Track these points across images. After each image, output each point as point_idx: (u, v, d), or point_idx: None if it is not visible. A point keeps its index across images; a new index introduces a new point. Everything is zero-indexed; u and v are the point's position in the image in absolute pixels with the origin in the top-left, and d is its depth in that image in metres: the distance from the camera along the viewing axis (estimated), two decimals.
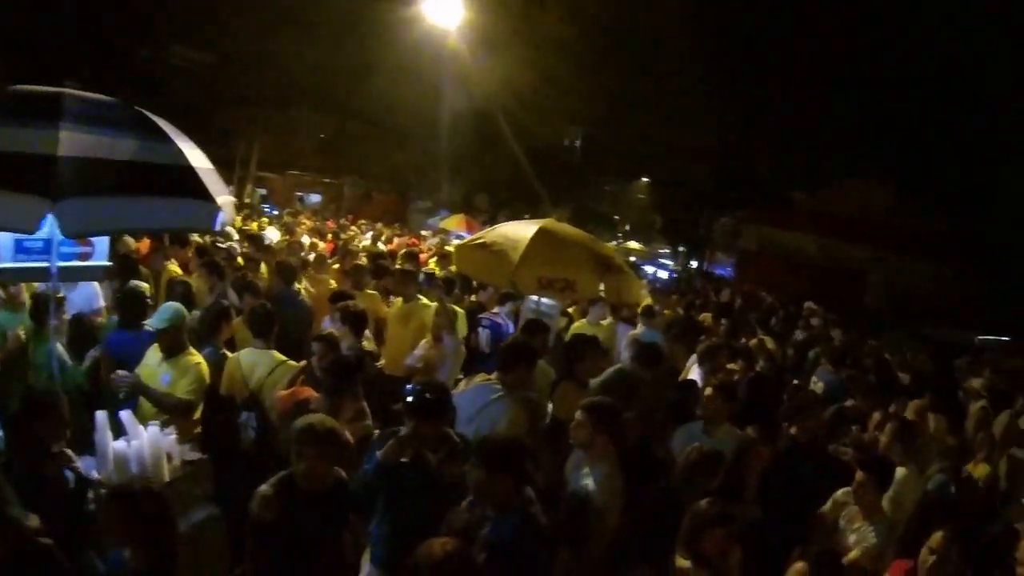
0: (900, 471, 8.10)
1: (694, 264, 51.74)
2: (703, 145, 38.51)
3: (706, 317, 17.81)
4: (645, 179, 50.59)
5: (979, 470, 10.19)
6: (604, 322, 13.38)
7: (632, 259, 46.56)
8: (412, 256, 17.34)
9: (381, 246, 23.19)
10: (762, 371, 11.81)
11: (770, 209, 37.91)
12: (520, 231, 10.36)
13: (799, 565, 5.33)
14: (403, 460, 5.50)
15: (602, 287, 10.05)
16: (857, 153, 35.85)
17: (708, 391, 8.17)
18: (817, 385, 13.12)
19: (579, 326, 13.27)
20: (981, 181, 31.93)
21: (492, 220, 39.69)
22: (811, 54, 35.57)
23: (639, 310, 14.96)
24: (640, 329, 14.12)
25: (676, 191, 46.86)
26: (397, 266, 14.75)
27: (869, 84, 35.97)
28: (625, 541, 6.12)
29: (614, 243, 55.36)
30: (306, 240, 20.96)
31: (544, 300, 11.68)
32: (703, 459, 6.64)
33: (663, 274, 42.12)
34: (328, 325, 9.86)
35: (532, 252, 9.71)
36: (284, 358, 8.07)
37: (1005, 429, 12.75)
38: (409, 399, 5.62)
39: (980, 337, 27.46)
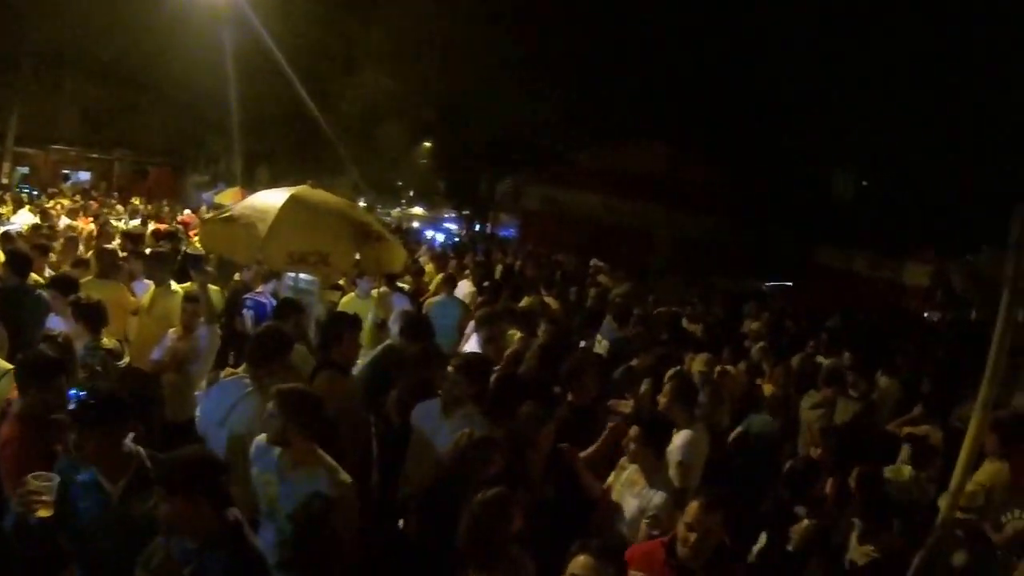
0: (684, 433, 7.67)
1: (484, 227, 51.30)
2: (485, 107, 37.86)
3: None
4: (427, 143, 49.61)
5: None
6: (375, 293, 12.41)
7: (416, 224, 46.16)
8: (170, 235, 16.03)
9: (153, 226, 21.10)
10: (546, 335, 11.24)
11: (552, 169, 37.60)
12: (269, 201, 9.47)
13: (582, 559, 4.66)
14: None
15: (358, 257, 9.30)
16: (636, 113, 36.08)
17: (449, 370, 7.28)
18: (601, 344, 12.62)
19: (347, 301, 12.38)
20: (753, 136, 32.56)
21: None
22: (588, 17, 35.58)
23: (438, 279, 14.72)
24: (440, 297, 13.67)
25: (457, 154, 46.15)
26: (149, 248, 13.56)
27: (644, 46, 36.23)
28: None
29: (398, 209, 54.80)
30: (65, 223, 19.06)
31: (302, 276, 10.87)
32: (473, 446, 5.98)
33: (442, 237, 41.35)
34: (56, 325, 8.52)
35: (281, 224, 8.91)
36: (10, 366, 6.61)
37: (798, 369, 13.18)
38: (71, 406, 4.70)
39: (767, 284, 28.51)
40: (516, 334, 11.27)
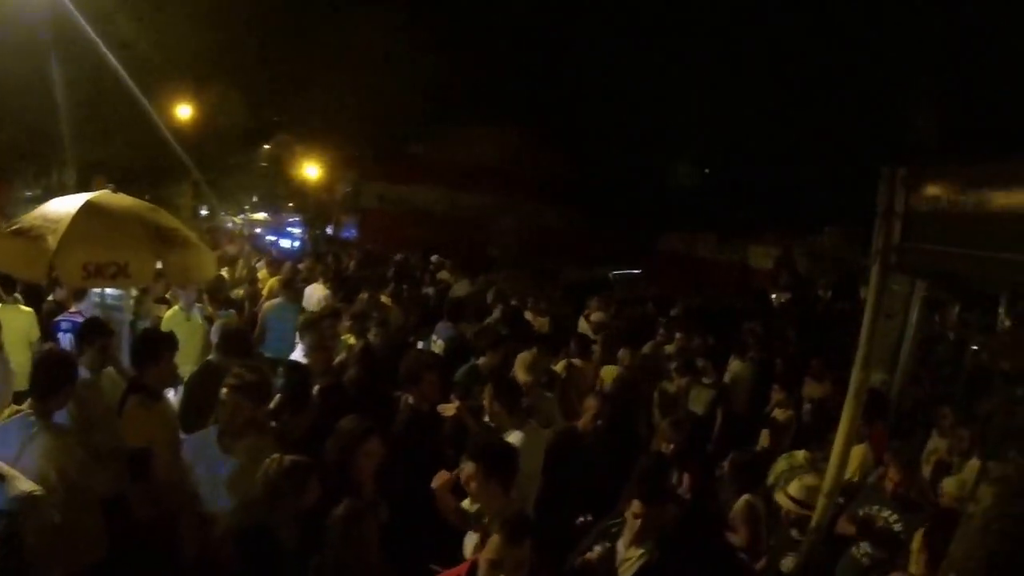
0: (514, 435, 7.02)
1: (330, 230, 49.73)
2: (320, 107, 36.77)
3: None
4: (267, 146, 48.00)
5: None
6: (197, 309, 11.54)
7: (258, 231, 44.74)
8: None
9: None
10: (376, 337, 10.50)
11: (389, 164, 36.77)
12: (63, 209, 8.41)
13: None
14: None
15: (160, 266, 8.36)
16: (475, 104, 35.43)
17: (223, 392, 6.31)
18: (437, 344, 11.92)
19: (171, 316, 11.31)
20: (595, 126, 32.40)
21: None
22: (420, 7, 34.93)
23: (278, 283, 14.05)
24: (276, 300, 12.89)
25: (297, 155, 44.84)
26: None
27: (480, 36, 35.70)
28: None
29: (240, 216, 53.21)
30: None
31: (109, 291, 9.91)
32: (284, 475, 5.27)
33: (285, 243, 40.13)
34: None
35: (74, 234, 7.92)
36: None
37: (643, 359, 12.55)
38: None
39: (614, 272, 27.98)
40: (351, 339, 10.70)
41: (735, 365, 13.29)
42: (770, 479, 8.18)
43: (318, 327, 9.56)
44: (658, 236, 34.26)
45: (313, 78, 34.69)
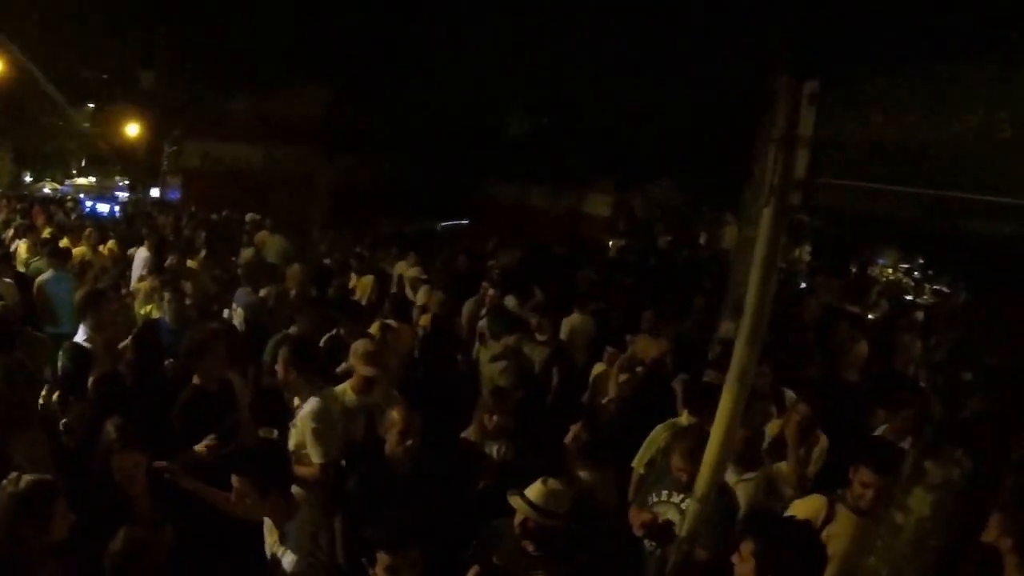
0: (311, 402, 6.48)
1: (156, 193, 47.55)
2: (140, 63, 34.83)
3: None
4: (91, 105, 45.21)
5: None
6: None
7: (82, 196, 42.64)
8: None
9: None
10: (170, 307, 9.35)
11: (210, 123, 35.14)
12: None
13: None
14: None
15: None
16: (291, 57, 34.09)
17: None
18: (236, 312, 10.83)
19: None
20: (406, 79, 31.46)
21: None
22: None
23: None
24: (48, 274, 11.56)
25: (119, 114, 42.50)
26: None
27: None
28: None
29: (68, 182, 50.78)
30: None
31: None
32: (20, 502, 4.35)
33: (104, 208, 38.22)
34: None
35: None
36: None
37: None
38: None
39: (441, 224, 28.61)
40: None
41: (574, 318, 12.40)
42: (649, 454, 7.45)
43: (99, 302, 8.44)
44: (488, 186, 33.59)
45: (133, 32, 32.79)
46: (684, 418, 7.62)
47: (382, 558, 4.33)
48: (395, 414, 6.22)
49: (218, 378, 6.79)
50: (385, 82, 31.30)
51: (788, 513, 5.95)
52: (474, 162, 31.20)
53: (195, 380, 6.70)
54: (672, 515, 5.92)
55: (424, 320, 11.80)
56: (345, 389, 7.11)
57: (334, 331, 9.12)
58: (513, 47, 25.75)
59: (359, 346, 7.30)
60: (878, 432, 8.47)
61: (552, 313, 11.75)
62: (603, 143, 27.78)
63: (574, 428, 6.69)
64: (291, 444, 6.42)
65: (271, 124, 33.02)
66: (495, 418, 7.11)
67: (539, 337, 10.96)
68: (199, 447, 6.11)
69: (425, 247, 17.48)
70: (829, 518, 5.76)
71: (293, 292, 11.35)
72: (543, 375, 10.49)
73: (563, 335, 11.88)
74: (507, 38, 25.68)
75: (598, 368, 10.11)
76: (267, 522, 5.24)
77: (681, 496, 5.92)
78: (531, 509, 5.13)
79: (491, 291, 12.87)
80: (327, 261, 15.35)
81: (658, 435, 7.55)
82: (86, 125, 45.95)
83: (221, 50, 32.46)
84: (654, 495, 6.19)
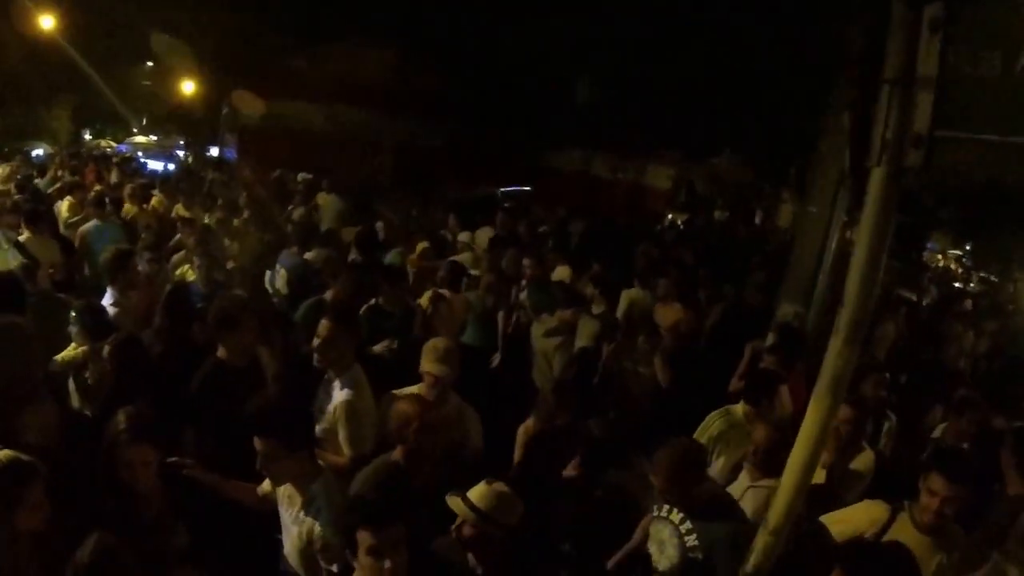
0: (346, 382, 6.03)
1: (216, 151, 47.44)
2: (198, 20, 34.65)
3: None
4: (150, 63, 45.14)
5: None
6: None
7: (140, 155, 42.69)
8: None
9: None
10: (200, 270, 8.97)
11: (270, 80, 34.82)
12: None
13: None
14: None
15: None
16: (355, 17, 33.70)
17: None
18: (280, 274, 10.37)
19: None
20: (473, 43, 31.03)
21: None
22: None
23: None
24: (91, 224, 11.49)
25: (177, 72, 42.40)
26: None
27: None
28: None
29: (127, 140, 50.94)
30: None
31: None
32: None
33: (157, 165, 38.17)
34: None
35: None
36: None
37: None
38: None
39: (503, 190, 27.57)
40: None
41: (632, 292, 11.79)
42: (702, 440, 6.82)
43: (126, 262, 8.03)
44: (551, 154, 33.16)
45: None
46: (740, 407, 7.04)
47: (363, 538, 3.85)
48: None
49: (247, 354, 6.28)
50: (452, 45, 30.96)
51: (839, 518, 5.39)
52: (538, 129, 30.76)
53: (219, 353, 6.17)
54: (665, 535, 5.27)
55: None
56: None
57: (373, 300, 8.61)
58: (582, 15, 25.41)
59: (432, 344, 6.59)
60: (936, 433, 8.12)
61: (609, 287, 11.24)
62: (667, 115, 27.27)
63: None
64: (319, 426, 5.90)
65: (333, 83, 32.49)
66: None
67: (594, 310, 10.46)
68: None
69: (488, 214, 16.95)
70: (886, 530, 5.15)
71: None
72: (593, 349, 10.03)
73: (621, 310, 11.32)
74: (576, 5, 25.33)
75: None
76: (284, 497, 4.83)
77: (681, 515, 5.25)
78: (470, 512, 4.54)
79: (526, 261, 12.24)
80: (379, 224, 14.85)
81: (710, 424, 7.02)
82: (146, 83, 45.99)
83: (283, 6, 32.28)
84: (658, 506, 5.49)
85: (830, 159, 9.46)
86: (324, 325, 6.04)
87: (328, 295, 8.57)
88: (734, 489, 5.86)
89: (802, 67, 14.68)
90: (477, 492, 4.60)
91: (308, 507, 4.61)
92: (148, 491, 4.61)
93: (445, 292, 9.72)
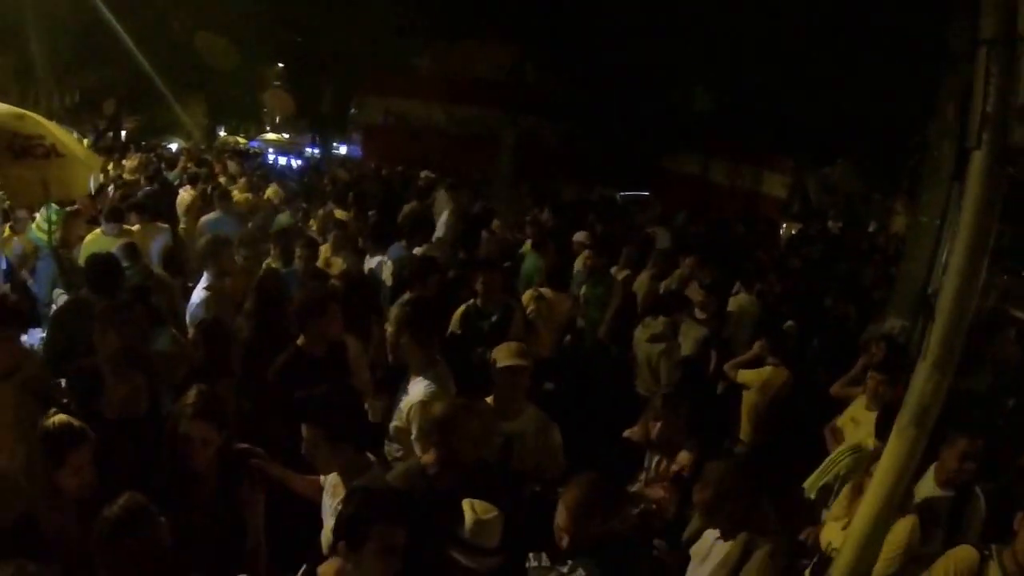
0: (420, 383, 5.96)
1: (344, 150, 49.05)
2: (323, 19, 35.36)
3: None
4: (281, 64, 46.29)
5: None
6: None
7: (270, 151, 43.89)
8: None
9: None
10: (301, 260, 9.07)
11: (392, 78, 35.25)
12: None
13: None
14: None
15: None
16: (476, 14, 33.98)
17: None
18: (386, 265, 10.40)
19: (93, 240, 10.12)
20: (594, 44, 30.98)
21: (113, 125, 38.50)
22: None
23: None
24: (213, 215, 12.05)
25: (304, 73, 43.24)
26: None
27: None
28: None
29: (259, 137, 52.58)
30: None
31: None
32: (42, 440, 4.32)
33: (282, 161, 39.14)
34: None
35: None
36: None
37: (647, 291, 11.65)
38: None
39: (621, 193, 28.66)
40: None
41: (741, 298, 11.68)
42: (824, 479, 6.53)
43: (219, 250, 8.19)
44: (668, 158, 32.37)
45: None
46: (871, 442, 6.46)
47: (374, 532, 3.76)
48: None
49: (327, 341, 6.28)
50: (572, 46, 31.00)
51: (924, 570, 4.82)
52: (656, 133, 30.41)
53: (299, 341, 6.22)
54: None
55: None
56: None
57: (472, 300, 8.50)
58: (702, 19, 25.28)
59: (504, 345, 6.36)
60: None
61: (719, 290, 11.02)
62: (783, 122, 27.19)
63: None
64: (393, 423, 5.89)
65: (454, 81, 32.93)
66: (659, 426, 6.17)
67: (699, 315, 10.23)
68: None
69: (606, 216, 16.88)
70: None
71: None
72: (697, 356, 9.79)
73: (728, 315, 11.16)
74: (698, 9, 25.19)
75: None
76: (330, 485, 4.81)
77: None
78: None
79: (587, 251, 12.05)
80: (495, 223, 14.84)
81: (838, 457, 6.60)
82: (277, 83, 47.06)
83: (406, 7, 32.69)
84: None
85: (941, 162, 9.09)
86: (393, 321, 6.03)
87: (407, 297, 8.34)
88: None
89: (913, 69, 14.29)
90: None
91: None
92: (204, 470, 4.63)
93: (546, 291, 9.59)
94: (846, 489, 5.62)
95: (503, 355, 6.08)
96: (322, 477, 4.96)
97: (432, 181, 20.79)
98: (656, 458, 6.21)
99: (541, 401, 6.48)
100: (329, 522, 4.63)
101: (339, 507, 4.44)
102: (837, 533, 5.08)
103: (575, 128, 30.89)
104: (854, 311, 12.29)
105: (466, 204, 16.45)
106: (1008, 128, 2.73)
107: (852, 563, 3.50)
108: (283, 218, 13.57)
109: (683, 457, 5.95)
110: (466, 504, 4.36)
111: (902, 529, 4.97)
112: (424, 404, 5.68)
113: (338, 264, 10.39)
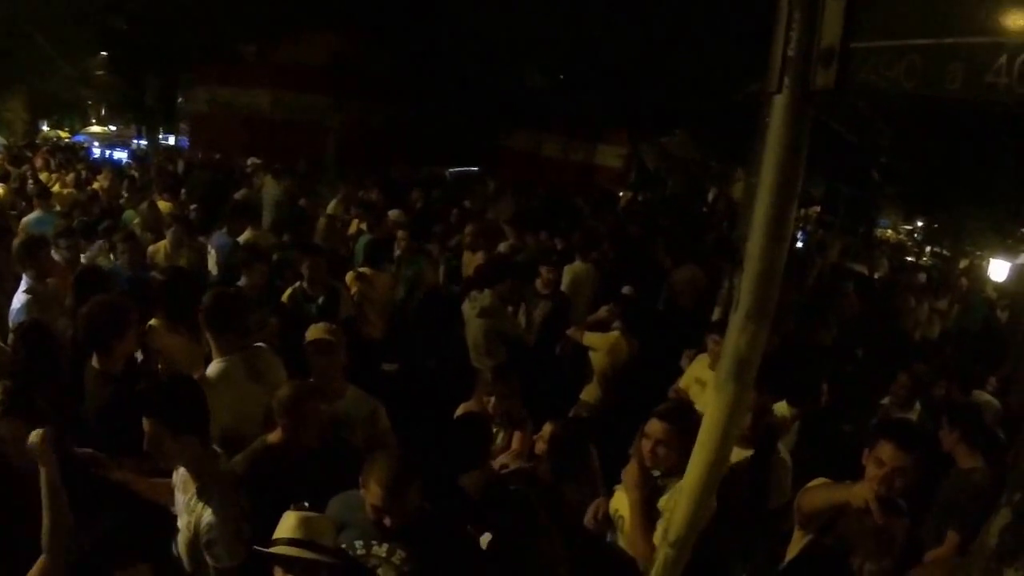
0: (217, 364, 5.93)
1: (172, 140, 47.43)
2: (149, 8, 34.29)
3: None
4: (104, 52, 44.64)
5: None
6: None
7: (96, 145, 42.56)
8: None
9: None
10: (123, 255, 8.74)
11: (218, 66, 34.57)
12: None
13: None
14: None
15: None
16: (304, 3, 33.61)
17: None
18: (211, 255, 10.20)
19: None
20: (419, 26, 30.95)
21: None
22: None
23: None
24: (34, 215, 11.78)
25: (131, 60, 41.94)
26: None
27: None
28: None
29: (84, 131, 50.78)
30: None
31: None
32: None
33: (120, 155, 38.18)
34: None
35: None
36: None
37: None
38: None
39: (450, 170, 29.13)
40: None
41: (576, 266, 11.64)
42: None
43: (35, 249, 7.81)
44: (502, 135, 32.97)
45: None
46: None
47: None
48: None
49: (123, 356, 5.93)
50: (397, 29, 30.89)
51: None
52: (487, 110, 30.79)
53: (94, 363, 5.81)
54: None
55: None
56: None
57: (297, 284, 8.48)
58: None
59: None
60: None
61: (559, 261, 11.09)
62: (616, 94, 27.45)
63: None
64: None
65: (279, 68, 32.75)
66: (493, 400, 6.28)
67: (542, 290, 10.17)
68: None
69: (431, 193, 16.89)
70: None
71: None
72: (543, 331, 9.78)
73: (565, 284, 11.15)
74: None
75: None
76: (180, 480, 4.61)
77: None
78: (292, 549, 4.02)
79: (400, 232, 11.94)
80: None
81: None
82: (100, 73, 45.52)
83: None
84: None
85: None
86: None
87: (242, 282, 8.31)
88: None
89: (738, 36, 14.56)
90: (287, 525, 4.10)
91: (201, 494, 4.39)
92: (24, 470, 4.35)
93: (365, 270, 9.50)
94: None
95: (311, 332, 6.12)
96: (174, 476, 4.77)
97: (257, 167, 20.32)
98: (500, 433, 6.30)
99: (381, 382, 6.44)
100: (183, 519, 4.49)
101: (191, 503, 4.37)
102: (623, 501, 5.10)
103: (403, 110, 31.10)
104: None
105: (292, 189, 16.08)
106: (811, 71, 2.67)
107: (683, 526, 3.43)
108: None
109: (547, 430, 5.96)
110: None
111: None
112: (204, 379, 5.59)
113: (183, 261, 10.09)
